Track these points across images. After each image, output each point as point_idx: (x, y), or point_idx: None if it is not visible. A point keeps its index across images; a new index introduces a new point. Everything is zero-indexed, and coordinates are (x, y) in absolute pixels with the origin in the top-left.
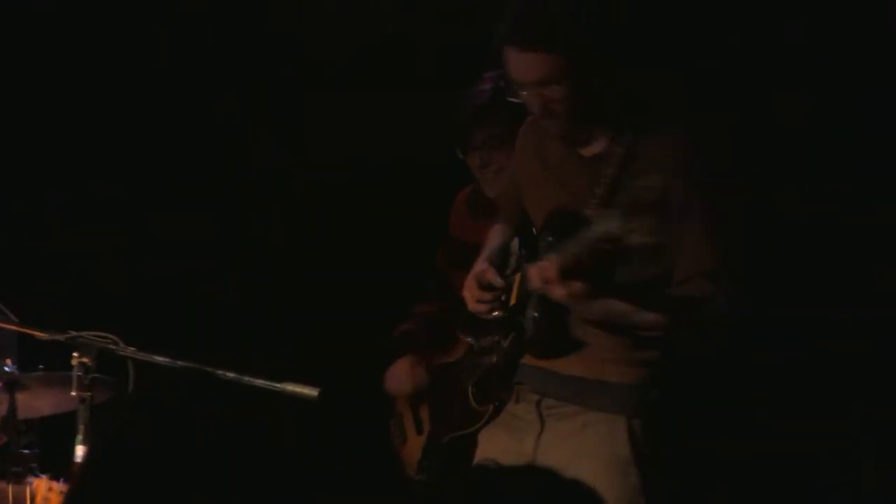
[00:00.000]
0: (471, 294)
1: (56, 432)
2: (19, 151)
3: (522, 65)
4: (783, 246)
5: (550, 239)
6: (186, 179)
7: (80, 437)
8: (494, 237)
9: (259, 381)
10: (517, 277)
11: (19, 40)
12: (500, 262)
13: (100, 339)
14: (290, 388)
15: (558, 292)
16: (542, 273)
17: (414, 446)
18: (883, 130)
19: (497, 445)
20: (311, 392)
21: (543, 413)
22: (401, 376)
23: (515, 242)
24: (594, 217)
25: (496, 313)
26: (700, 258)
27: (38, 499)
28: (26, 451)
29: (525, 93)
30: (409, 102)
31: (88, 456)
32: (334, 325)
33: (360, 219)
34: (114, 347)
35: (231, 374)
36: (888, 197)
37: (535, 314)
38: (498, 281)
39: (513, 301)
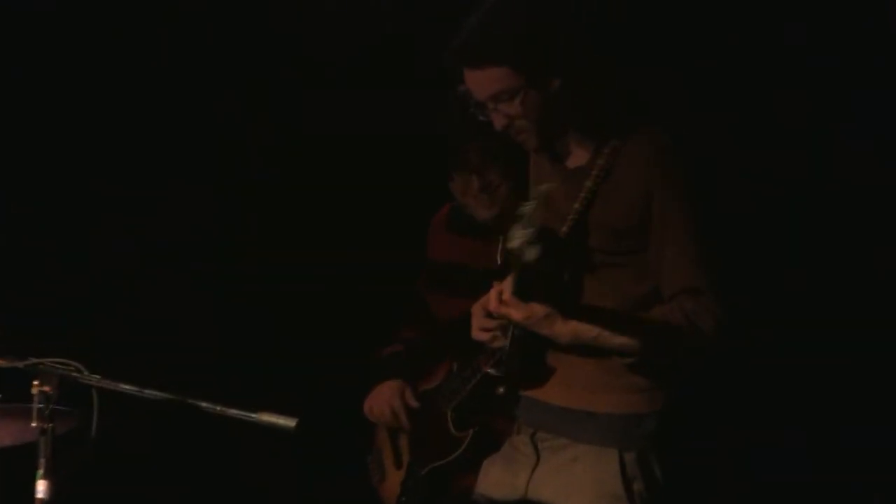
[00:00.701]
0: (474, 321)
1: (15, 465)
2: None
3: (476, 83)
4: (773, 248)
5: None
6: (187, 179)
7: (41, 472)
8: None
9: (233, 412)
10: None
11: (19, 40)
12: None
13: (62, 367)
14: (266, 418)
15: (514, 315)
16: (498, 295)
17: (393, 482)
18: (883, 131)
19: (492, 478)
20: (288, 423)
21: (539, 445)
22: (386, 402)
23: None
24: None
25: (497, 344)
26: (683, 273)
27: None
28: None
29: (488, 112)
30: (410, 102)
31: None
32: (314, 350)
33: (348, 234)
34: (77, 375)
35: (204, 404)
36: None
37: (506, 342)
38: (505, 295)
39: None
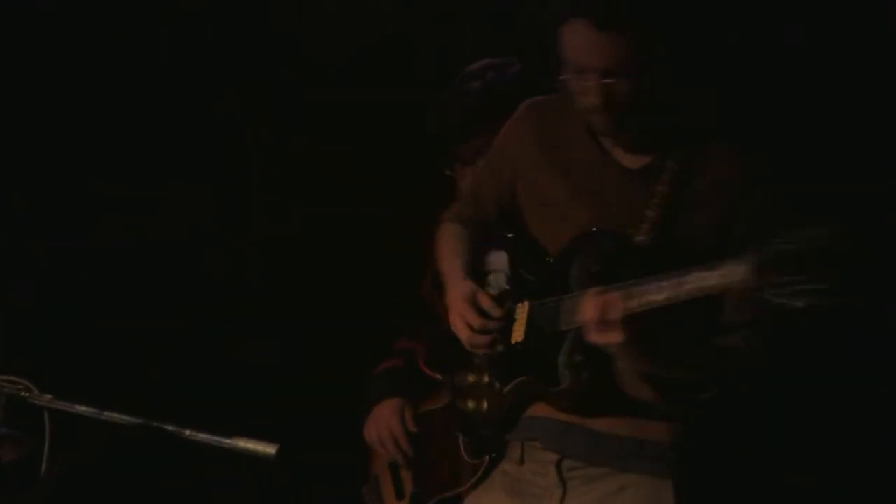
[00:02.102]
0: (466, 322)
1: None
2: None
3: (594, 46)
4: None
5: (596, 269)
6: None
7: None
8: (454, 246)
9: (204, 436)
10: (522, 307)
11: (20, 40)
12: (478, 280)
13: (8, 385)
14: (244, 444)
15: (613, 337)
16: (601, 310)
17: None
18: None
19: None
20: (268, 450)
21: (565, 476)
22: (387, 425)
23: (501, 258)
24: (716, 266)
25: (499, 348)
26: (741, 308)
27: None
28: None
29: (581, 80)
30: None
31: None
32: (298, 368)
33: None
34: (26, 395)
35: (170, 428)
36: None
37: (579, 359)
38: (496, 310)
39: (519, 336)
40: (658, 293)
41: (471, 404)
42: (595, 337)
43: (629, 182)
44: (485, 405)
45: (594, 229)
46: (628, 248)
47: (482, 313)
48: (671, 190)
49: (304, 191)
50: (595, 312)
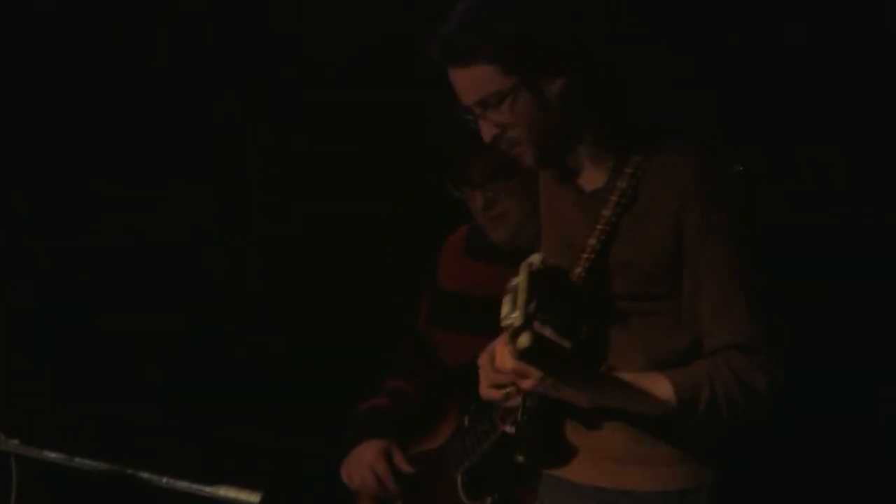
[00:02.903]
0: (483, 374)
1: None
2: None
3: (460, 83)
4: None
5: (532, 308)
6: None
7: None
8: None
9: (184, 484)
10: None
11: (20, 40)
12: None
13: None
14: (225, 492)
15: (524, 384)
16: (497, 359)
17: None
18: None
19: None
20: (251, 498)
21: None
22: (368, 465)
23: None
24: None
25: (510, 402)
26: (729, 327)
27: None
28: None
29: (477, 120)
30: (410, 102)
31: None
32: (298, 368)
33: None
34: None
35: (145, 475)
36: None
37: (519, 411)
38: (508, 362)
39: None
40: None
41: (482, 446)
42: (518, 385)
43: (581, 206)
44: (494, 448)
45: (539, 265)
46: (563, 283)
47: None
48: (614, 213)
49: (304, 191)
50: (490, 364)
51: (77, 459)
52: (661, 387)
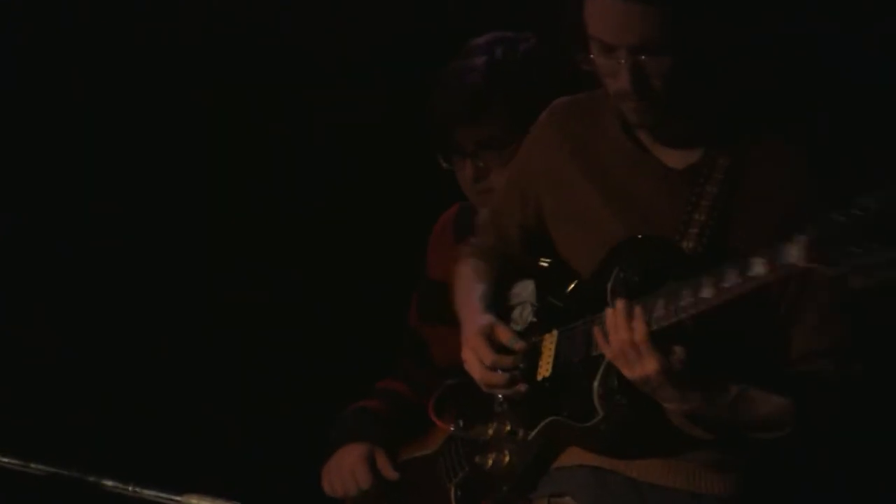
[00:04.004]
0: (480, 359)
1: None
2: None
3: (622, 18)
4: None
5: (636, 280)
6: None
7: None
8: (471, 283)
9: (151, 493)
10: (549, 338)
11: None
12: (502, 315)
13: None
14: (195, 502)
15: (647, 366)
16: (625, 331)
17: None
18: None
19: None
20: None
21: None
22: (351, 471)
23: (527, 287)
24: (747, 254)
25: (519, 387)
26: (823, 331)
27: None
28: None
29: (610, 59)
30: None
31: None
32: (299, 369)
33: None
34: None
35: (110, 483)
36: None
37: (615, 384)
38: (517, 342)
39: (546, 371)
40: (691, 297)
41: (490, 459)
42: (623, 368)
43: (673, 183)
44: (506, 458)
45: (638, 236)
46: (676, 257)
47: (500, 348)
48: (722, 191)
49: (303, 191)
50: (618, 337)
51: (34, 465)
52: (774, 396)
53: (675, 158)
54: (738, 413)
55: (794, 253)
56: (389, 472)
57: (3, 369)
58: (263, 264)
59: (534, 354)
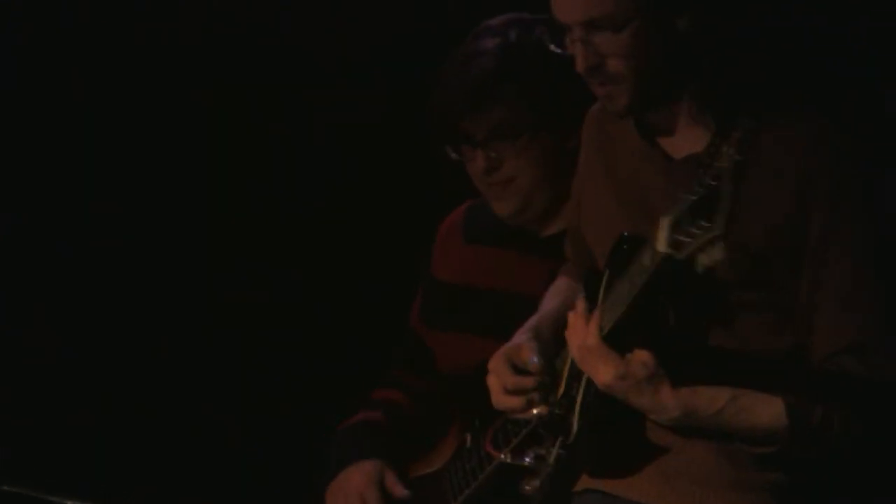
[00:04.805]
0: (498, 380)
1: None
2: None
3: None
4: None
5: (613, 278)
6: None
7: None
8: (549, 297)
9: None
10: (566, 352)
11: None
12: (555, 333)
13: None
14: None
15: (602, 372)
16: (577, 338)
17: None
18: None
19: None
20: None
21: None
22: (359, 494)
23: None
24: (659, 226)
25: (536, 411)
26: (852, 325)
27: None
28: None
29: (571, 42)
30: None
31: None
32: (299, 369)
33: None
34: None
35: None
36: None
37: (594, 407)
38: (534, 362)
39: (560, 389)
40: (622, 290)
41: (527, 487)
42: (590, 375)
43: (672, 174)
44: (536, 483)
45: (623, 234)
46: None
47: (523, 370)
48: (722, 180)
49: (303, 191)
50: (573, 345)
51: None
52: (769, 405)
53: (678, 147)
54: (728, 423)
55: (659, 238)
56: (400, 492)
57: (3, 369)
58: (263, 264)
59: (557, 371)
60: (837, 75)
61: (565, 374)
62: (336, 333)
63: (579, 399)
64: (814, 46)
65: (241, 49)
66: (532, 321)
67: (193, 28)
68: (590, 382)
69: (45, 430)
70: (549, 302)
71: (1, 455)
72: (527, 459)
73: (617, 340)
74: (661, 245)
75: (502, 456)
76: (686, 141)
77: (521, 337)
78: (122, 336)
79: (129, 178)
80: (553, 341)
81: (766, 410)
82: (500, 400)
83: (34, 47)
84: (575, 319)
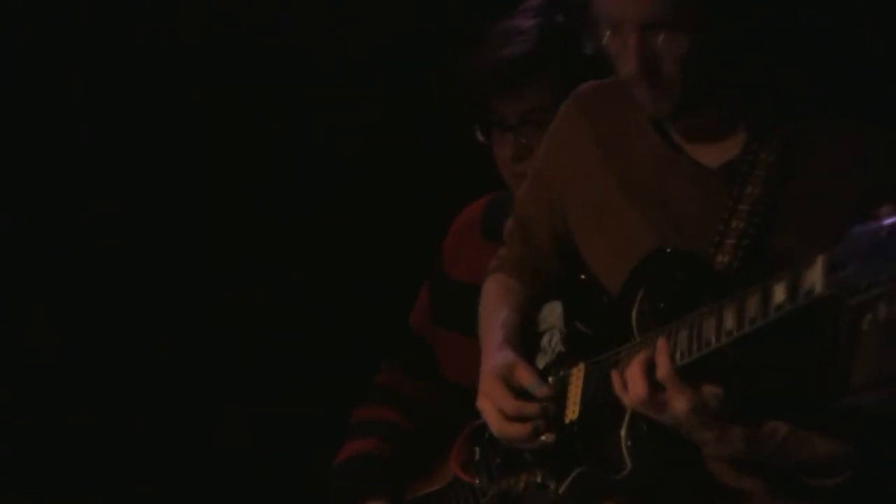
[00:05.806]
0: (496, 406)
1: None
2: None
3: None
4: None
5: (662, 307)
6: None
7: None
8: (498, 299)
9: None
10: (577, 373)
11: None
12: (528, 348)
13: None
14: None
15: (676, 406)
16: (641, 386)
17: None
18: None
19: None
20: None
21: None
22: None
23: (555, 309)
24: (771, 278)
25: (543, 438)
26: (884, 355)
27: None
28: None
29: (618, 39)
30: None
31: None
32: (299, 369)
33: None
34: None
35: None
36: None
37: (644, 429)
38: (541, 387)
39: (572, 414)
40: (714, 330)
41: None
42: (650, 413)
43: (707, 185)
44: None
45: (666, 250)
46: (705, 274)
47: (521, 392)
48: (766, 192)
49: (303, 191)
50: (636, 378)
51: None
52: (825, 434)
53: (709, 155)
54: (790, 455)
55: (812, 278)
56: None
57: (3, 369)
58: (263, 264)
59: (561, 393)
60: (871, 79)
61: (576, 399)
62: (336, 333)
63: (623, 432)
64: (842, 49)
65: (241, 49)
66: (498, 335)
67: (193, 28)
68: (637, 415)
69: (45, 430)
70: (500, 309)
71: (1, 455)
72: (522, 486)
73: (690, 372)
74: (820, 286)
75: (477, 481)
76: (717, 148)
77: (504, 354)
78: (122, 336)
79: (129, 178)
80: (530, 357)
81: (825, 438)
82: (503, 427)
83: (34, 47)
84: (635, 367)
